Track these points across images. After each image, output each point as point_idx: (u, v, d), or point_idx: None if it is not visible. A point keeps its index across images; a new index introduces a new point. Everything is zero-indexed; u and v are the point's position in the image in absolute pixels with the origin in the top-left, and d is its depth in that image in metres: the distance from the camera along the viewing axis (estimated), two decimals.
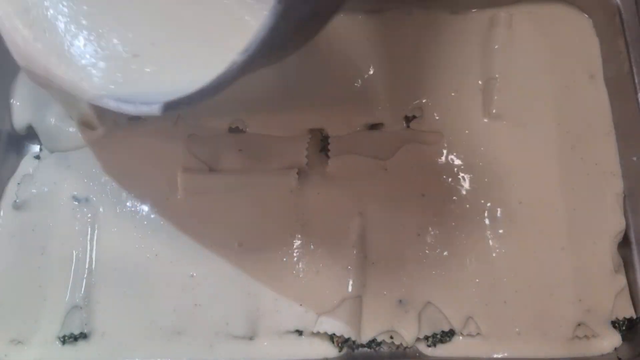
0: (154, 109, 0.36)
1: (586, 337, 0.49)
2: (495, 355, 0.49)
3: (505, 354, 0.49)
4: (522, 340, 0.49)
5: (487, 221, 0.52)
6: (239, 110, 0.55)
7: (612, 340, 0.49)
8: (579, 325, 0.49)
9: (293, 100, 0.56)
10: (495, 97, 0.55)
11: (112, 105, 0.39)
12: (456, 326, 0.50)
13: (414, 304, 0.50)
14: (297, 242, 0.52)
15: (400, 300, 0.50)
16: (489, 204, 0.52)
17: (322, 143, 0.56)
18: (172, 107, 0.36)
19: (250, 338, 0.50)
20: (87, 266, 0.52)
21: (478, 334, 0.50)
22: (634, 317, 0.50)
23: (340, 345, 0.50)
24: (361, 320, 0.50)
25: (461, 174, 0.53)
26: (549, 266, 0.51)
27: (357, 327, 0.50)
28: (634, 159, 0.53)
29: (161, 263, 0.51)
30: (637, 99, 0.52)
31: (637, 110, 0.52)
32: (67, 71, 0.42)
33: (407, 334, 0.50)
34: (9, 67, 0.57)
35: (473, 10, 0.58)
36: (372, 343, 0.50)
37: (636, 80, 0.53)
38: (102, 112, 0.54)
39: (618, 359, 0.49)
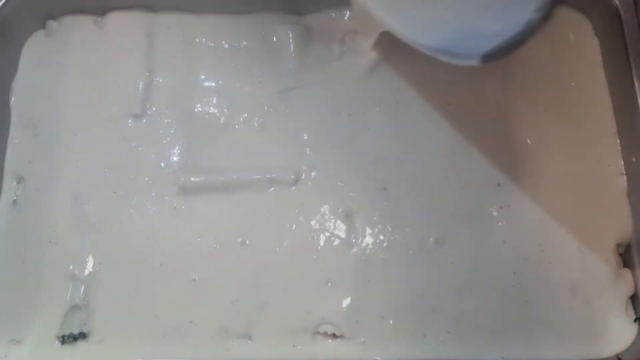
0: (473, 62, 0.40)
1: (599, 336, 0.49)
2: (503, 356, 0.49)
3: (514, 355, 0.49)
4: (531, 341, 0.49)
5: (490, 222, 0.52)
6: None
7: (628, 333, 0.49)
8: (589, 324, 0.49)
9: None
10: (497, 98, 0.55)
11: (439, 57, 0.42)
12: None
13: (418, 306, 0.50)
14: (299, 242, 0.52)
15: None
16: (491, 207, 0.53)
17: None
18: (490, 59, 0.39)
19: (250, 338, 0.50)
20: (87, 265, 0.51)
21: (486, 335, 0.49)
22: (634, 317, 0.50)
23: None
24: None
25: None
26: (555, 267, 0.51)
27: (358, 327, 0.50)
28: (634, 159, 0.53)
29: (164, 269, 0.51)
30: (637, 100, 0.53)
31: (637, 111, 0.52)
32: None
33: None
34: (9, 67, 0.58)
35: None
36: None
37: (636, 82, 0.53)
38: None
39: (618, 359, 0.49)
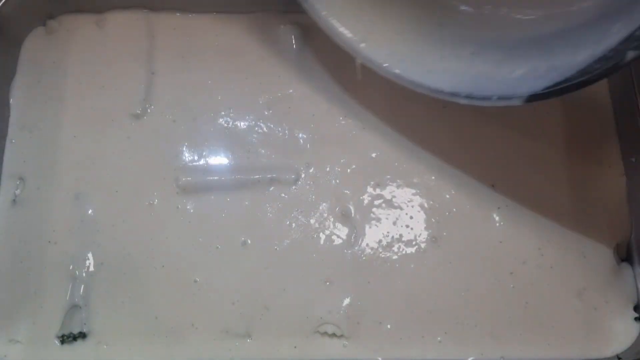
0: (515, 102, 0.39)
1: (601, 336, 0.49)
2: (503, 356, 0.49)
3: (514, 355, 0.49)
4: (532, 342, 0.49)
5: (486, 223, 0.52)
6: None
7: (629, 333, 0.49)
8: (591, 325, 0.50)
9: None
10: None
11: (464, 102, 0.42)
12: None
13: (417, 305, 0.50)
14: (299, 241, 0.52)
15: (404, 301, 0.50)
16: (488, 208, 0.53)
17: None
18: (539, 99, 0.38)
19: (251, 338, 0.50)
20: (87, 265, 0.51)
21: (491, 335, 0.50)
22: (635, 316, 0.51)
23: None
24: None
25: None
26: (555, 268, 0.51)
27: (358, 327, 0.50)
28: (633, 160, 0.53)
29: (166, 270, 0.51)
30: (636, 101, 0.53)
31: (636, 112, 0.52)
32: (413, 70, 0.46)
33: None
34: (9, 67, 0.58)
35: None
36: None
37: (635, 82, 0.53)
38: None
39: (618, 359, 0.49)
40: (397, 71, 0.47)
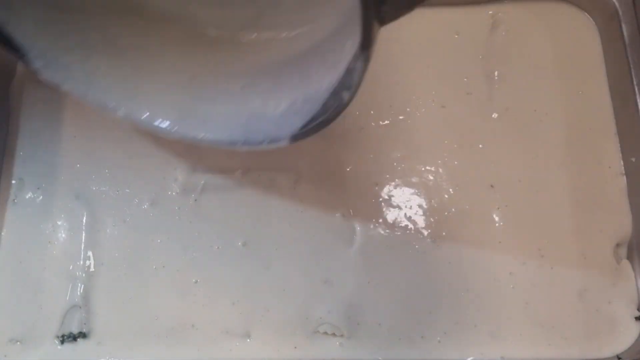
0: (282, 144, 0.38)
1: (602, 337, 0.49)
2: (503, 356, 0.49)
3: (514, 355, 0.49)
4: (532, 342, 0.49)
5: (485, 223, 0.52)
6: None
7: (630, 333, 0.49)
8: (593, 325, 0.50)
9: None
10: (495, 98, 0.55)
11: (244, 149, 0.41)
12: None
13: (417, 306, 0.50)
14: (299, 242, 0.52)
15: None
16: (487, 208, 0.53)
17: None
18: (300, 138, 0.38)
19: (251, 338, 0.50)
20: (87, 265, 0.51)
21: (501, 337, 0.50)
22: (636, 315, 0.51)
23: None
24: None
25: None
26: (556, 268, 0.51)
27: (358, 327, 0.50)
28: (633, 159, 0.53)
29: (166, 271, 0.51)
30: (636, 101, 0.53)
31: (636, 112, 0.53)
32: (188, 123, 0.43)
33: None
34: (8, 67, 0.58)
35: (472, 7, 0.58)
36: None
37: (635, 82, 0.53)
38: None
39: (618, 358, 0.49)
40: (175, 129, 0.43)
